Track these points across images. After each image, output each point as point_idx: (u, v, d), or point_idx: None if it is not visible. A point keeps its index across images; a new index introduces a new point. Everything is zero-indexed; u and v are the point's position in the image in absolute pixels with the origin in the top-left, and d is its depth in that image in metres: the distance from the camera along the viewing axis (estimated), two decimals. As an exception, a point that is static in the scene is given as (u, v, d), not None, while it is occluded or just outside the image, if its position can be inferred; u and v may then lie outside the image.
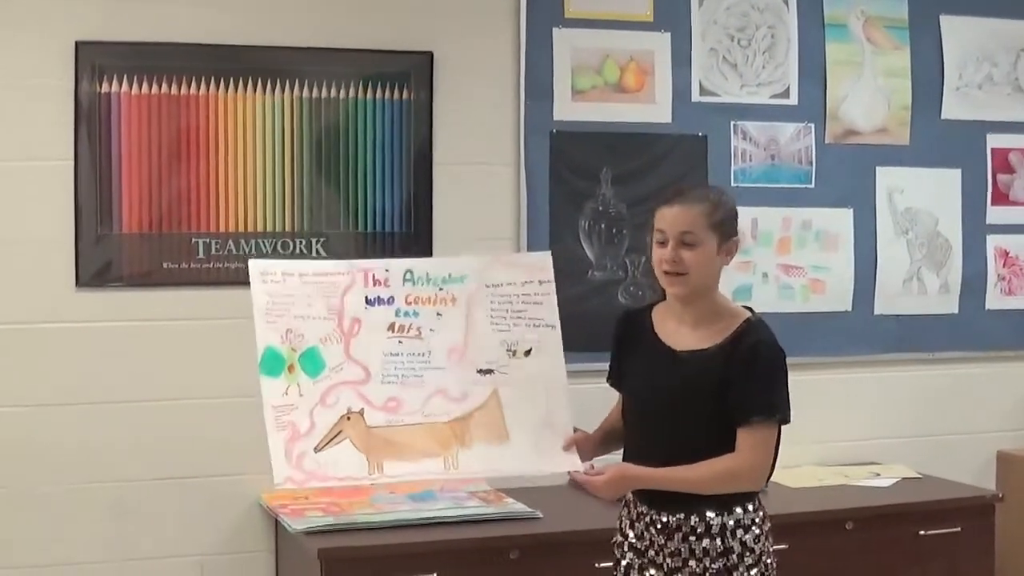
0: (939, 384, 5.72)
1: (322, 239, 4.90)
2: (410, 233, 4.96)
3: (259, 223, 4.85)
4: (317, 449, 3.75)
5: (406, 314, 3.86)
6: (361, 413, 3.80)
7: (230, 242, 4.82)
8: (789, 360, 5.44)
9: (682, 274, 3.63)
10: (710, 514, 3.61)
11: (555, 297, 3.89)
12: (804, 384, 5.44)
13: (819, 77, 5.51)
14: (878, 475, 5.34)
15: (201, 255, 4.81)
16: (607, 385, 3.90)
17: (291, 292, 3.82)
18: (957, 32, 5.70)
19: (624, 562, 3.77)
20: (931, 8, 5.66)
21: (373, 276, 3.87)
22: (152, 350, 4.76)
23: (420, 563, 4.36)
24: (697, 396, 3.62)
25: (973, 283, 5.75)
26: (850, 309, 5.58)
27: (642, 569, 3.72)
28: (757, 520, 3.65)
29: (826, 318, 5.55)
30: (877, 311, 5.62)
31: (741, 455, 3.59)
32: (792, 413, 3.71)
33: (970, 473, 5.58)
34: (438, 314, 3.87)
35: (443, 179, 5.05)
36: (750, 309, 3.77)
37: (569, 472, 3.79)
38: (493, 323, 3.87)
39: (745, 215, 5.31)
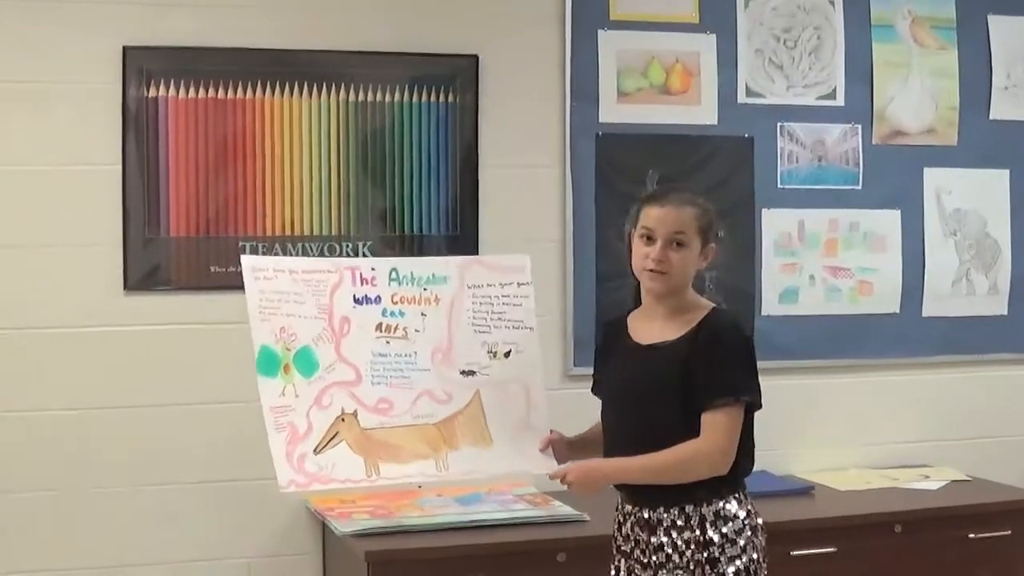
0: (988, 386, 5.68)
1: (369, 242, 4.91)
2: (457, 235, 4.96)
3: (306, 227, 4.86)
4: (316, 451, 3.77)
5: (392, 314, 3.88)
6: (355, 415, 3.80)
7: (277, 246, 4.82)
8: (837, 362, 5.53)
9: (664, 273, 3.68)
10: (689, 507, 3.63)
11: (533, 299, 3.93)
12: (852, 386, 5.50)
13: (866, 78, 5.49)
14: (927, 477, 5.31)
15: (248, 259, 4.83)
16: None
17: (282, 289, 3.82)
18: (1005, 31, 5.66)
19: (613, 565, 3.81)
20: (979, 8, 5.62)
21: (360, 275, 3.89)
22: (200, 354, 4.78)
23: (467, 565, 4.37)
24: (663, 385, 3.65)
25: (1022, 285, 5.71)
26: (898, 311, 5.55)
27: (630, 572, 3.74)
28: (740, 514, 3.65)
29: (874, 320, 5.52)
30: (925, 313, 5.59)
31: (701, 438, 3.60)
32: (763, 399, 3.70)
33: (1020, 475, 5.52)
34: (423, 314, 3.88)
35: (489, 181, 5.05)
36: (718, 304, 3.82)
37: (548, 474, 3.83)
38: (474, 324, 3.89)
39: (792, 217, 5.40)
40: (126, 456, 4.73)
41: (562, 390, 4.73)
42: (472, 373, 3.89)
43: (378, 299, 3.88)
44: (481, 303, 3.90)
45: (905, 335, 5.56)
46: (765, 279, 5.37)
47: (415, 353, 3.87)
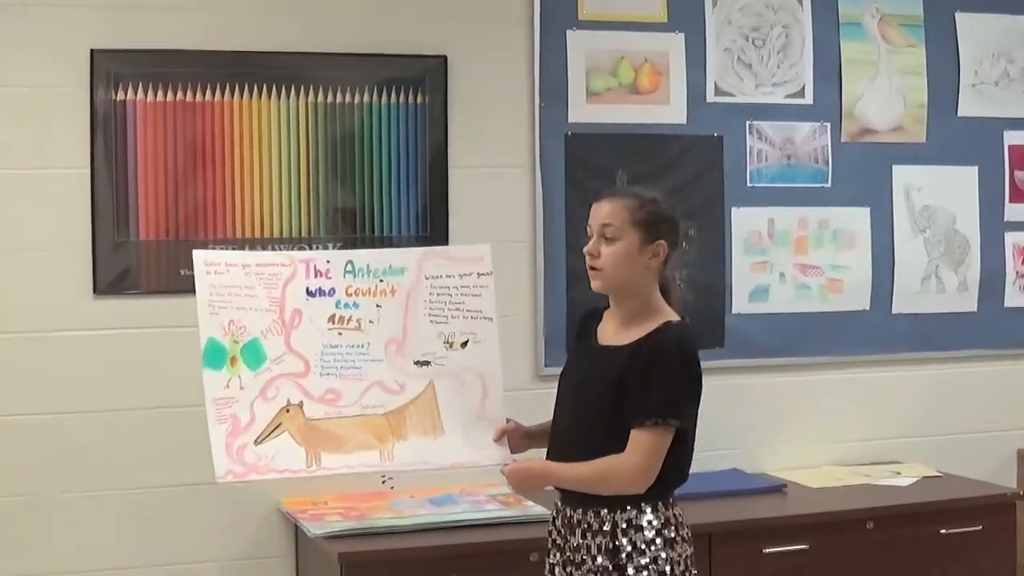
0: (958, 382, 5.71)
1: (338, 244, 4.89)
2: (427, 236, 4.95)
3: (275, 229, 4.85)
4: (257, 442, 3.81)
5: (346, 306, 3.89)
6: (300, 406, 3.83)
7: (246, 248, 4.80)
8: (807, 360, 5.53)
9: (599, 268, 3.65)
10: (603, 511, 3.62)
11: (494, 289, 3.91)
12: (823, 384, 5.51)
13: (834, 76, 5.50)
14: (898, 474, 5.33)
15: (218, 261, 4.81)
16: None
17: (234, 283, 3.85)
18: (972, 29, 5.68)
19: (549, 560, 3.82)
20: (946, 5, 5.65)
21: (315, 267, 3.90)
22: (170, 357, 4.76)
23: (440, 566, 4.36)
24: (598, 391, 3.62)
25: (991, 281, 5.73)
26: (868, 308, 5.57)
27: (564, 565, 3.74)
28: (655, 524, 3.60)
29: (844, 317, 5.54)
30: (895, 310, 5.61)
31: (624, 455, 3.56)
32: (696, 424, 3.67)
33: (990, 471, 5.56)
34: (378, 305, 3.90)
35: (458, 182, 5.05)
36: (684, 318, 3.73)
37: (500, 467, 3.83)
38: (431, 315, 3.89)
39: (761, 215, 5.41)
40: (98, 460, 4.72)
41: (532, 390, 4.73)
42: (427, 363, 3.90)
43: (332, 291, 3.90)
44: (439, 293, 3.90)
45: (875, 332, 5.58)
46: (735, 277, 5.38)
47: (368, 344, 3.89)
